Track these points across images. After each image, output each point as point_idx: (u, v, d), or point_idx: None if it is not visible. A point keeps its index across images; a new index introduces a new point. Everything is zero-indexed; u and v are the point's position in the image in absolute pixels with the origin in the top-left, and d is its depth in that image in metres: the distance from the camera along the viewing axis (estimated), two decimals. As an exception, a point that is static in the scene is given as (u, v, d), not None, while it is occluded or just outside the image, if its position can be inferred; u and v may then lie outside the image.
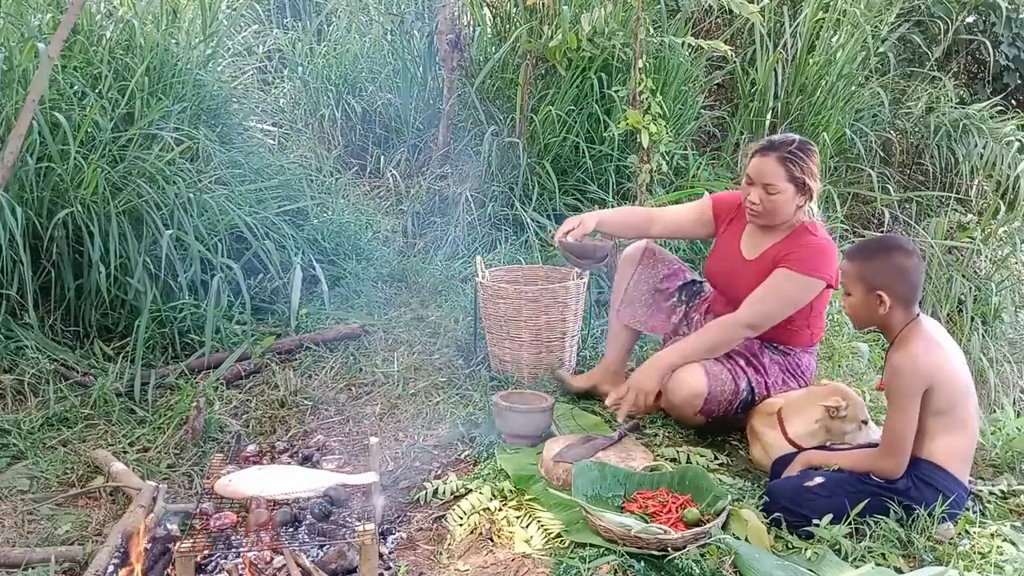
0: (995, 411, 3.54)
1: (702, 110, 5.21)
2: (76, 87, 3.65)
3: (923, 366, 2.07)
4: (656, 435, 2.72)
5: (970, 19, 5.84)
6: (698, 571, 1.94)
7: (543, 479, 2.42)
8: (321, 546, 2.15)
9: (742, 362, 2.63)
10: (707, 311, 2.84)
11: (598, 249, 2.81)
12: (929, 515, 2.08)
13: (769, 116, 5.13)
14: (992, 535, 2.14)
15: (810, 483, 2.17)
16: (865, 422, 2.35)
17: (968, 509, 2.23)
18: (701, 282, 2.97)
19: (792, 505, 2.14)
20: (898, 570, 2.00)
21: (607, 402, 2.65)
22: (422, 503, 2.46)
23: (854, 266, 2.18)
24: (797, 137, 2.59)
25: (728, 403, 2.60)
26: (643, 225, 2.85)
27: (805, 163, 2.50)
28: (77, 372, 3.18)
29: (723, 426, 2.71)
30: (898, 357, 2.09)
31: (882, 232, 5.16)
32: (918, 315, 2.17)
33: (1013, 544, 2.12)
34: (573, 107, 4.78)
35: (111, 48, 3.87)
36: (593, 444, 2.49)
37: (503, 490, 2.39)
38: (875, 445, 2.29)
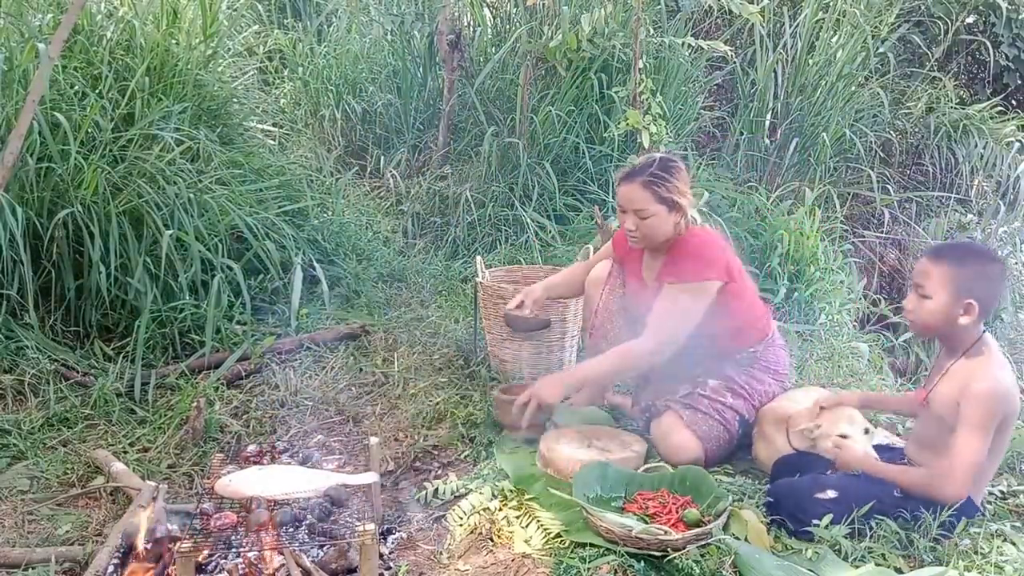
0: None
1: (702, 110, 5.22)
2: (76, 87, 3.65)
3: (1004, 394, 2.00)
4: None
5: (970, 19, 5.84)
6: (698, 571, 1.94)
7: (543, 477, 2.43)
8: (321, 546, 2.15)
9: (729, 397, 2.59)
10: None
11: (538, 321, 3.01)
12: (933, 519, 2.07)
13: (769, 116, 5.14)
14: (992, 535, 2.14)
15: (822, 495, 2.11)
16: (845, 436, 2.28)
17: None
18: None
19: (799, 513, 2.10)
20: (898, 570, 2.00)
21: (516, 405, 2.53)
22: (422, 503, 2.46)
23: (943, 269, 2.02)
24: (658, 156, 2.58)
25: (728, 446, 2.58)
26: (580, 278, 2.97)
27: (669, 182, 2.49)
28: (77, 372, 3.18)
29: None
30: (982, 383, 1.99)
31: (883, 233, 5.16)
32: (984, 330, 2.09)
33: (1013, 544, 2.11)
34: (573, 107, 4.79)
35: (111, 48, 3.87)
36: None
37: (503, 490, 2.39)
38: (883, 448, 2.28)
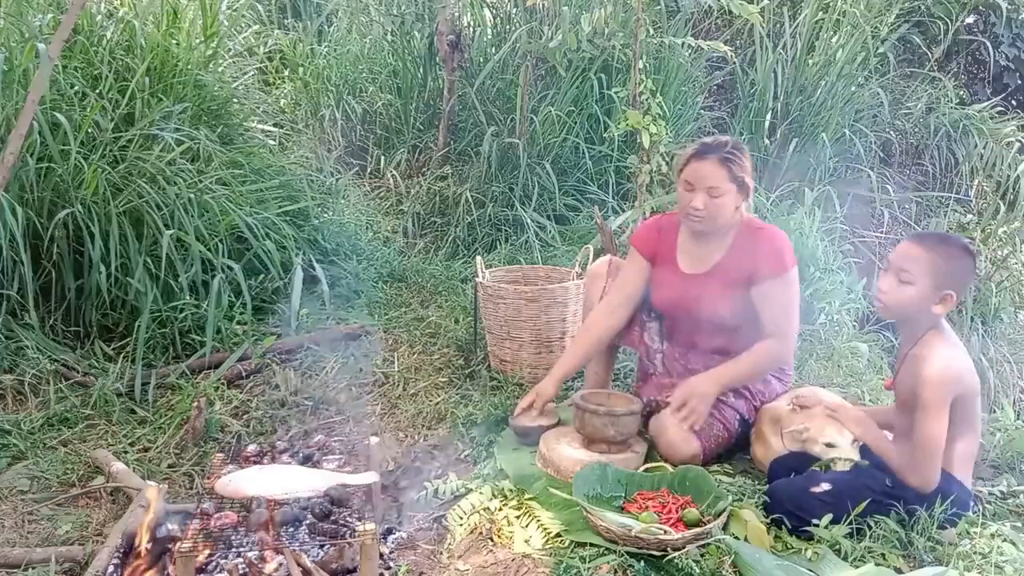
0: (995, 411, 3.54)
1: (702, 111, 5.22)
2: (77, 87, 3.65)
3: (955, 374, 2.02)
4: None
5: (970, 19, 5.84)
6: (698, 571, 1.94)
7: (543, 477, 2.43)
8: (322, 546, 2.15)
9: (731, 396, 2.58)
10: (671, 335, 2.76)
11: (546, 428, 2.67)
12: (930, 516, 2.08)
13: (769, 116, 5.14)
14: (992, 535, 2.14)
15: (816, 489, 2.13)
16: (831, 444, 2.27)
17: (970, 511, 2.22)
18: None
19: (795, 509, 2.11)
20: (898, 570, 2.00)
21: (671, 408, 2.45)
22: (422, 503, 2.46)
23: (931, 257, 2.03)
24: (728, 137, 2.56)
25: (727, 444, 2.57)
26: (604, 331, 2.70)
27: (742, 162, 2.48)
28: (77, 372, 3.18)
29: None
30: (931, 366, 2.01)
31: (882, 233, 5.16)
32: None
33: (1013, 544, 2.11)
34: (573, 108, 4.79)
35: (112, 49, 3.87)
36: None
37: (503, 490, 2.39)
38: None
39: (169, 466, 2.76)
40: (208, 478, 2.30)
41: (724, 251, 2.57)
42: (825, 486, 2.13)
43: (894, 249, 2.15)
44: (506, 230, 4.59)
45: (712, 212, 2.48)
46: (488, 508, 2.32)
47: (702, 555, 1.99)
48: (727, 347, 2.60)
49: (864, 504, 2.07)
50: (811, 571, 1.96)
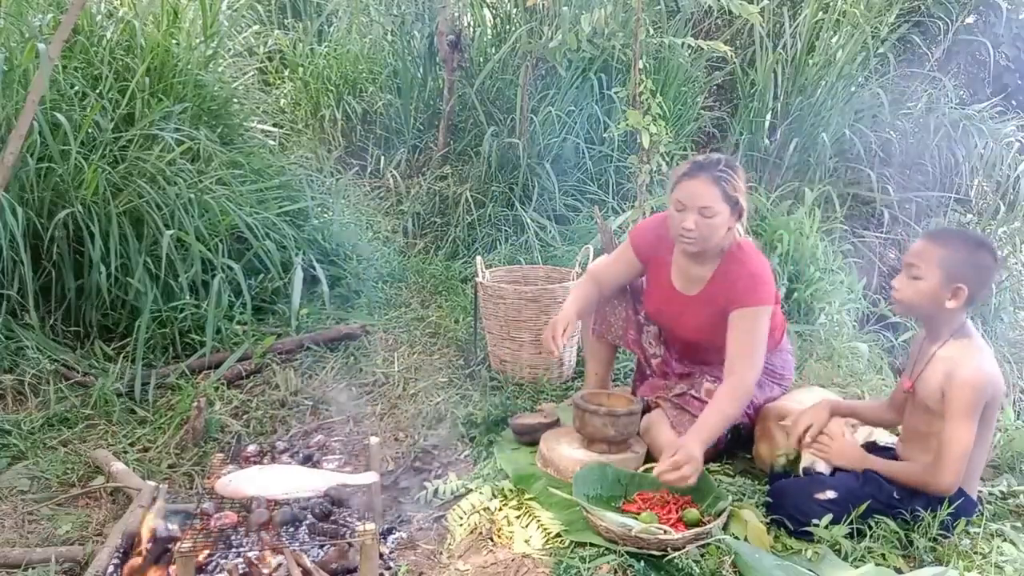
0: (995, 411, 3.54)
1: (702, 110, 5.22)
2: (77, 87, 3.65)
3: (988, 380, 2.01)
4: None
5: (970, 19, 5.84)
6: (698, 571, 1.95)
7: (543, 477, 2.43)
8: (322, 546, 2.15)
9: None
10: (667, 342, 2.75)
11: (546, 426, 2.72)
12: (933, 517, 2.08)
13: (769, 116, 5.14)
14: (992, 535, 2.14)
15: (821, 495, 2.12)
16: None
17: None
18: None
19: (798, 513, 2.11)
20: (898, 570, 2.00)
21: (657, 471, 2.26)
22: (422, 503, 2.47)
23: (940, 252, 2.03)
24: (722, 156, 2.49)
25: (712, 449, 2.49)
26: (593, 295, 2.75)
27: (736, 181, 2.40)
28: (77, 372, 3.18)
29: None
30: (967, 371, 2.00)
31: (883, 233, 5.16)
32: (967, 316, 2.10)
33: (1013, 544, 2.12)
34: (573, 108, 4.79)
35: (112, 49, 3.87)
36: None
37: (503, 490, 2.40)
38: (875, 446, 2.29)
39: (169, 466, 2.76)
40: (208, 478, 2.30)
41: (710, 277, 2.52)
42: (830, 494, 2.12)
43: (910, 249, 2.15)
44: (506, 230, 4.59)
45: (704, 233, 2.40)
46: (488, 508, 2.32)
47: (702, 555, 1.99)
48: (720, 359, 2.58)
49: (871, 515, 2.07)
50: (811, 571, 1.96)
